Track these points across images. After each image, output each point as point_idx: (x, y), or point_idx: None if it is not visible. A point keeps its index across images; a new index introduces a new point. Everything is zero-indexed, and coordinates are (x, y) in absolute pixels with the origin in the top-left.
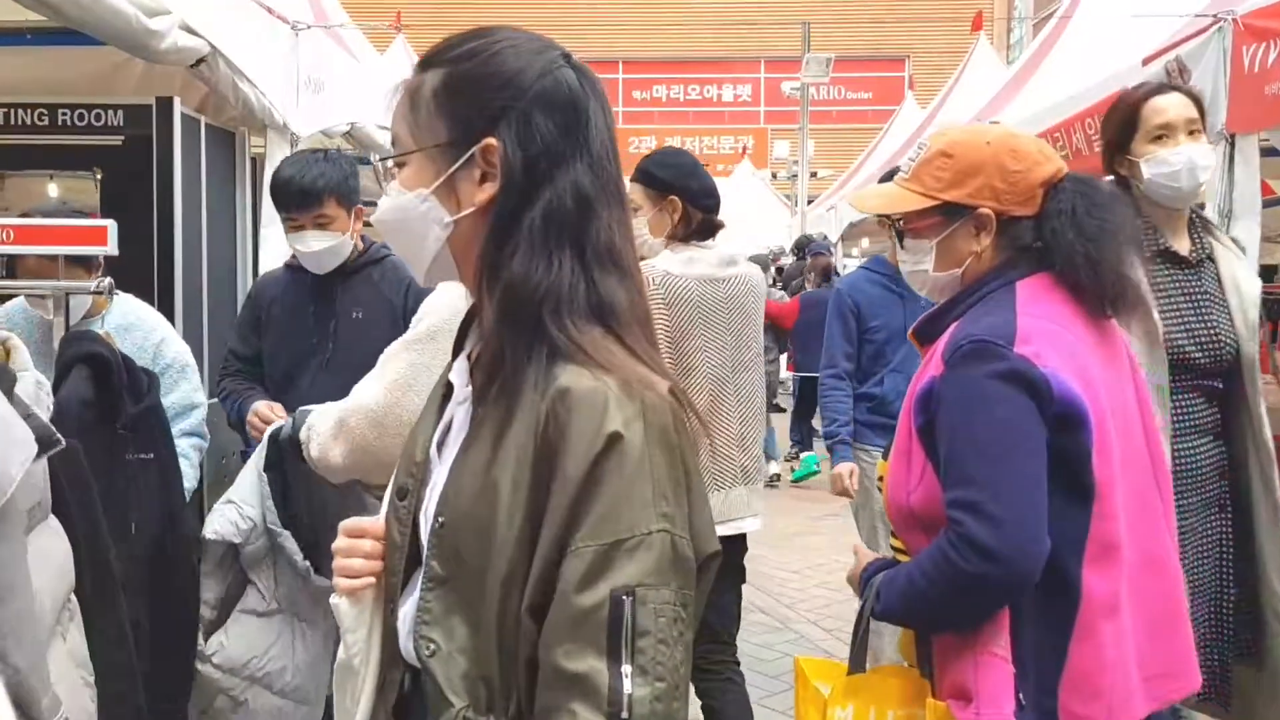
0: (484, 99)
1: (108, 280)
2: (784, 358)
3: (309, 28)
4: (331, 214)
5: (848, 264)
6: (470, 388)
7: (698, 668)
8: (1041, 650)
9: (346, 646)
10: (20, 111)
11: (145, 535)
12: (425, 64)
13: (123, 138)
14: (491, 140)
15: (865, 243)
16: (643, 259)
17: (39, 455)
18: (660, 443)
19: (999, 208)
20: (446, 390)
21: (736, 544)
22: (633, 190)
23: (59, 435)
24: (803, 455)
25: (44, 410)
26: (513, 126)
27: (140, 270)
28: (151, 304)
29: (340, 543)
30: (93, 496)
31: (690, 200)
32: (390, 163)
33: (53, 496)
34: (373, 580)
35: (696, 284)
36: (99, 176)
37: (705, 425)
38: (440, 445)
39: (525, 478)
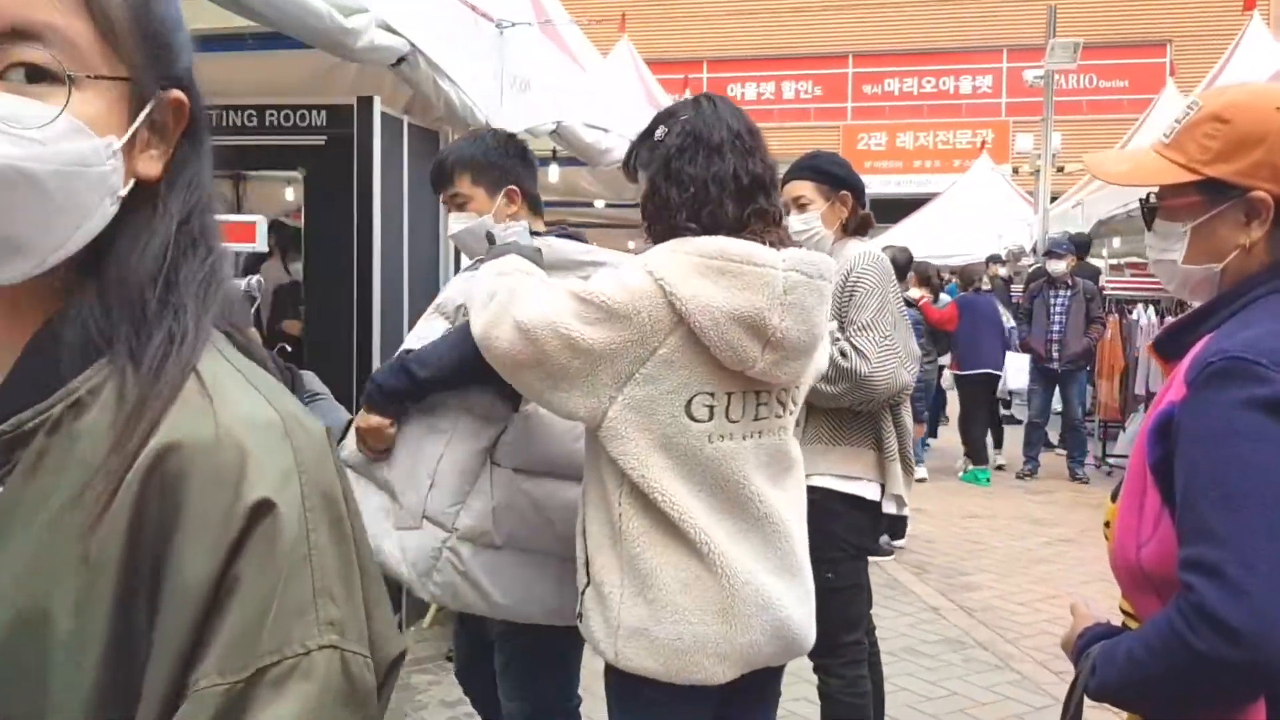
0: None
1: (255, 279)
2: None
3: (513, 25)
4: (466, 192)
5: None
6: None
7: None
8: None
9: None
10: (231, 113)
11: None
12: None
13: (325, 137)
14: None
15: (1116, 242)
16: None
17: None
18: (325, 511)
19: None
20: None
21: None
22: (799, 186)
23: None
24: (972, 467)
25: None
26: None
27: (339, 268)
28: (350, 303)
29: None
30: None
31: (857, 196)
32: None
33: None
34: None
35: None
36: (303, 175)
37: None
38: None
39: (104, 594)
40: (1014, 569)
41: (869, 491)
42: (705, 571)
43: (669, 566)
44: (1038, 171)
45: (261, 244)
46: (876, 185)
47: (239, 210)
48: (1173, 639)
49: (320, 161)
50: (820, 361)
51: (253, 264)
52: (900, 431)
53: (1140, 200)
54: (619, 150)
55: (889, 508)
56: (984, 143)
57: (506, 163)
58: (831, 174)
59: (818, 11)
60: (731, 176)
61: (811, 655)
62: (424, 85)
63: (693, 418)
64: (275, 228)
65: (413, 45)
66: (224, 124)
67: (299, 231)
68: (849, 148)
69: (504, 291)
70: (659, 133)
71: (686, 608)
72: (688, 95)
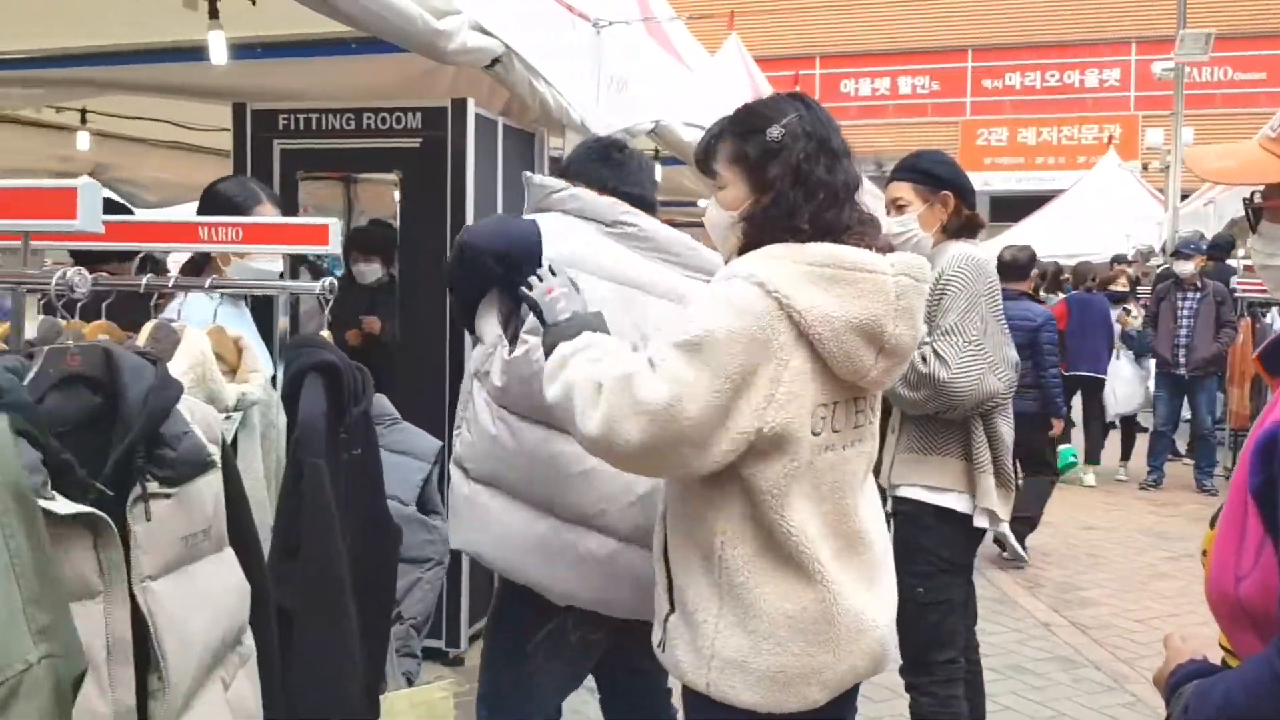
0: None
1: (329, 280)
2: None
3: (610, 24)
4: None
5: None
6: None
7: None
8: None
9: None
10: (330, 116)
11: (351, 535)
12: None
13: (420, 140)
14: None
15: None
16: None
17: (188, 479)
18: (19, 512)
19: None
20: None
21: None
22: (898, 188)
23: (213, 457)
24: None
25: (211, 424)
26: None
27: (432, 269)
28: (443, 304)
29: None
30: (332, 523)
31: (962, 196)
32: None
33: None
34: None
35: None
36: (399, 178)
37: None
38: None
39: None
40: (1132, 584)
41: (959, 504)
42: (814, 600)
43: (776, 597)
44: (1168, 168)
45: (335, 246)
46: (997, 183)
47: (350, 213)
48: (1273, 684)
49: (415, 164)
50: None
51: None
52: (995, 442)
53: (1244, 200)
54: None
55: (980, 522)
56: (1111, 138)
57: (587, 167)
58: (932, 174)
59: (935, 3)
60: (849, 183)
61: (903, 673)
62: (519, 86)
63: (812, 431)
64: (378, 226)
65: (507, 46)
66: (324, 127)
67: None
68: (967, 144)
69: (607, 380)
70: (774, 133)
71: (790, 639)
72: (772, 93)
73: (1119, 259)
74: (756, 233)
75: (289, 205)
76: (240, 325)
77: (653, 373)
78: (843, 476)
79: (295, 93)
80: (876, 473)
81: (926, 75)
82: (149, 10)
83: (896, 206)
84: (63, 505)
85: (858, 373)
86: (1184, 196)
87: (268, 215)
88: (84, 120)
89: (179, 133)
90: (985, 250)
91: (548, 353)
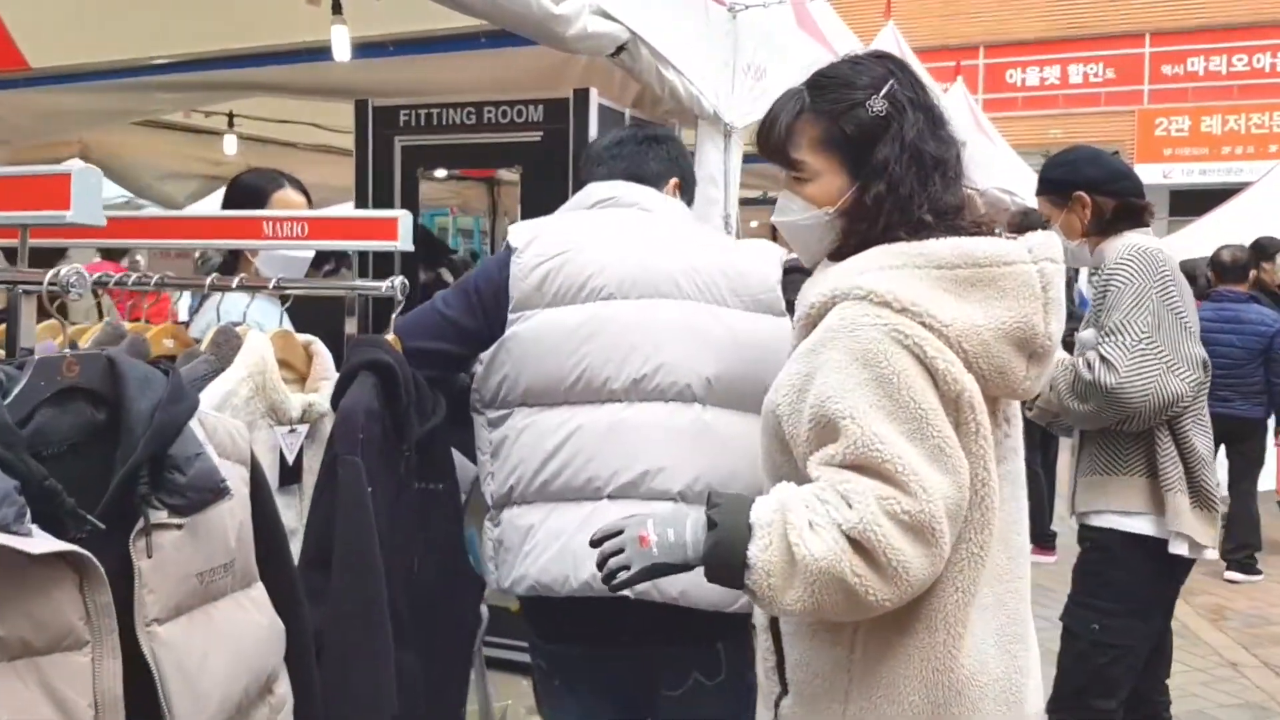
0: None
1: (400, 280)
2: None
3: (747, 8)
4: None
5: None
6: None
7: None
8: None
9: None
10: (450, 111)
11: (429, 575)
12: None
13: (541, 133)
14: None
15: None
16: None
17: (201, 507)
18: None
19: None
20: None
21: None
22: (1042, 205)
23: (226, 483)
24: None
25: (237, 441)
26: None
27: None
28: None
29: None
30: (370, 528)
31: (1094, 189)
32: None
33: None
34: None
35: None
36: (519, 173)
37: None
38: None
39: None
40: None
41: (1151, 528)
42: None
43: (917, 684)
44: None
45: (406, 242)
46: (1177, 175)
47: (494, 215)
48: None
49: (536, 158)
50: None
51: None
52: (1188, 456)
53: None
54: None
55: (1178, 548)
56: None
57: (592, 173)
58: (1052, 181)
59: None
60: (960, 155)
61: (1050, 709)
62: (646, 75)
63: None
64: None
65: (633, 32)
66: (445, 122)
67: None
68: (1145, 135)
69: (844, 546)
70: (877, 105)
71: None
72: (862, 55)
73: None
74: (866, 230)
75: (409, 203)
76: (271, 324)
77: (880, 492)
78: (1003, 507)
79: (419, 88)
80: (1039, 503)
81: (1100, 63)
82: (278, 9)
83: (1043, 226)
84: (38, 543)
85: (1010, 386)
86: None
87: (290, 200)
88: (231, 124)
89: (322, 135)
90: (1166, 245)
91: (719, 572)
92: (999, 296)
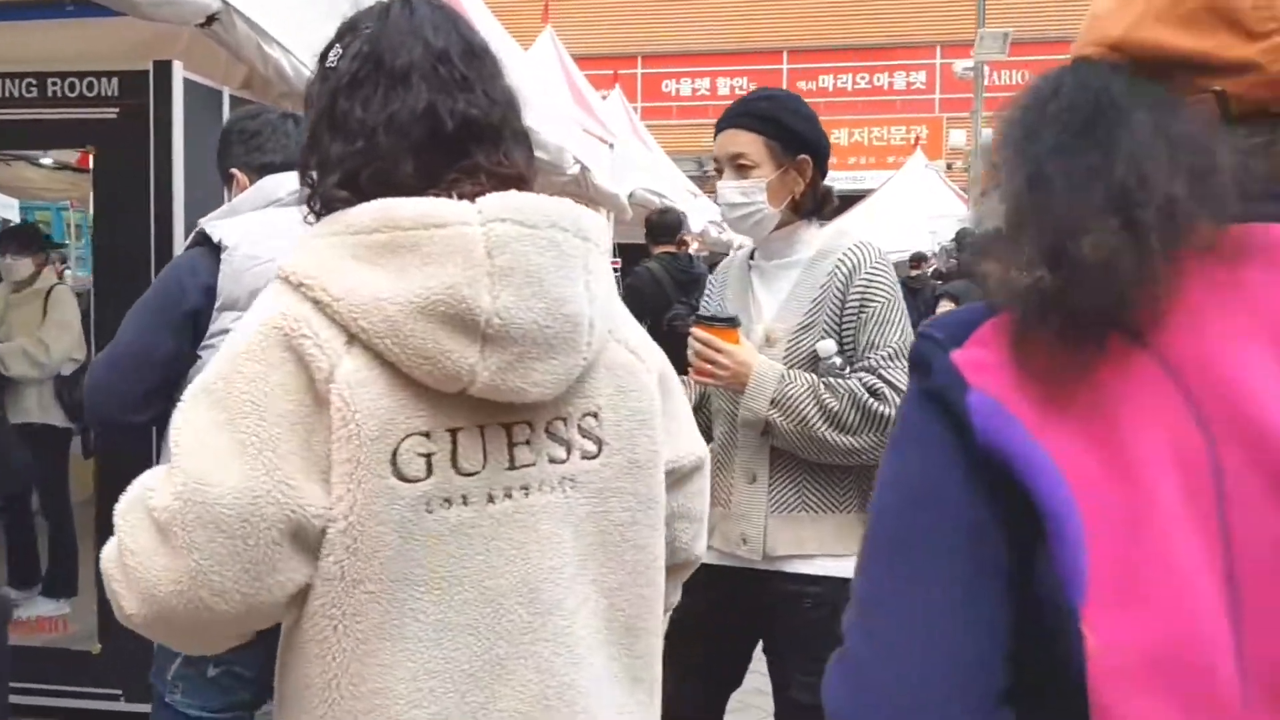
0: None
1: None
2: None
3: None
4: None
5: None
6: None
7: None
8: None
9: None
10: (8, 83)
11: None
12: None
13: (117, 109)
14: None
15: None
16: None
17: None
18: None
19: None
20: None
21: None
22: (740, 139)
23: None
24: None
25: None
26: None
27: (135, 260)
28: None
29: None
30: None
31: (820, 166)
32: None
33: None
34: None
35: None
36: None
37: None
38: None
39: None
40: None
41: None
42: None
43: None
44: (970, 167)
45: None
46: None
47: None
48: None
49: (112, 137)
50: (627, 365)
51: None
52: None
53: None
54: (538, 151)
55: None
56: (918, 139)
57: (231, 153)
58: (790, 129)
59: (752, 6)
60: (420, 118)
61: None
62: (246, 49)
63: (402, 475)
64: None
65: (225, 3)
66: (3, 95)
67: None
68: None
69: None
70: (333, 55)
71: None
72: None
73: (918, 257)
74: (310, 201)
75: None
76: None
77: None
78: (489, 549)
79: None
80: (698, 541)
81: (744, 76)
82: None
83: (737, 165)
84: None
85: (453, 376)
86: (984, 193)
87: None
88: None
89: None
90: None
91: None
92: (421, 264)
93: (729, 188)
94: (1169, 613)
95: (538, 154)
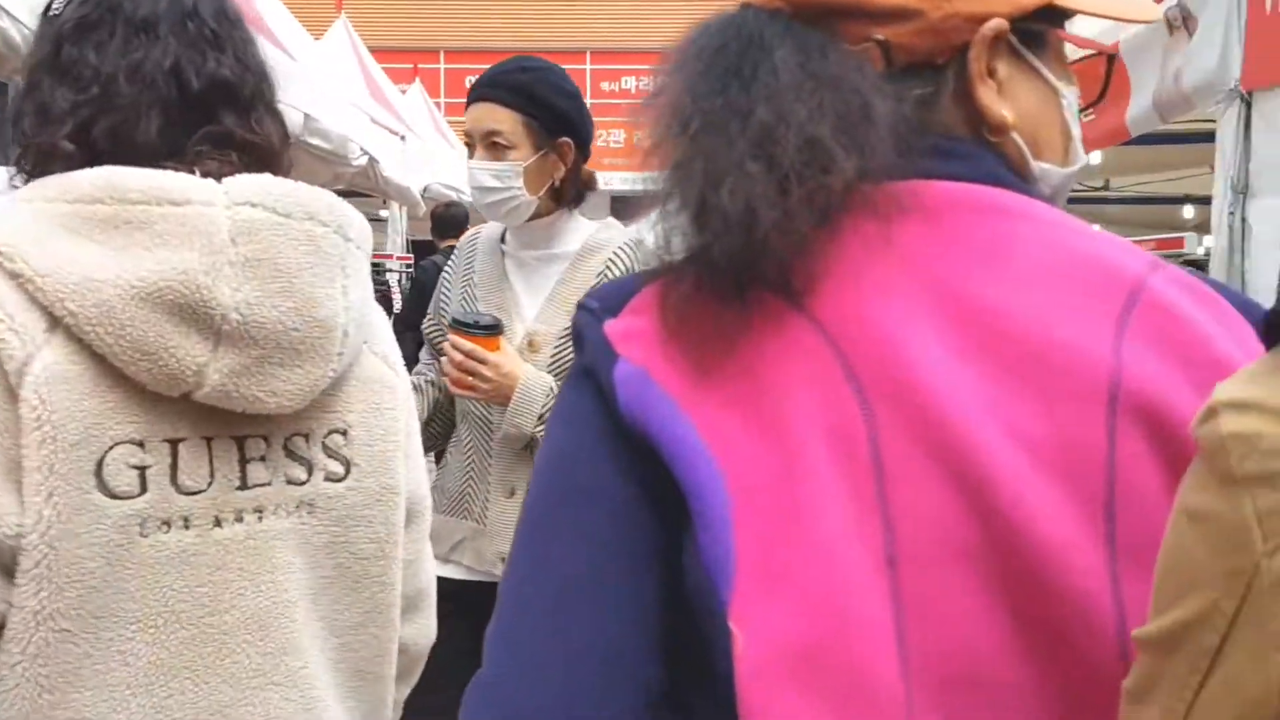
0: None
1: None
2: None
3: None
4: None
5: None
6: None
7: None
8: None
9: None
10: None
11: None
12: None
13: None
14: None
15: None
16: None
17: None
18: None
19: None
20: None
21: None
22: (495, 114)
23: None
24: None
25: None
26: None
27: None
28: None
29: None
30: None
31: (584, 150)
32: None
33: None
34: None
35: None
36: None
37: None
38: None
39: None
40: None
41: None
42: None
43: None
44: None
45: None
46: (616, 183)
47: None
48: None
49: None
50: (382, 379)
51: None
52: None
53: None
54: (318, 139)
55: None
56: None
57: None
58: (552, 108)
59: (555, 6)
60: (166, 73)
61: None
62: None
63: (109, 491)
64: None
65: None
66: None
67: None
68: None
69: None
70: (57, 3)
71: None
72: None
73: None
74: (19, 160)
75: None
76: None
77: None
78: (212, 579)
79: None
80: None
81: None
82: None
83: (491, 144)
84: None
85: (176, 378)
86: None
87: None
88: None
89: None
90: None
91: None
92: (151, 244)
93: (481, 169)
94: (820, 601)
95: (319, 143)
